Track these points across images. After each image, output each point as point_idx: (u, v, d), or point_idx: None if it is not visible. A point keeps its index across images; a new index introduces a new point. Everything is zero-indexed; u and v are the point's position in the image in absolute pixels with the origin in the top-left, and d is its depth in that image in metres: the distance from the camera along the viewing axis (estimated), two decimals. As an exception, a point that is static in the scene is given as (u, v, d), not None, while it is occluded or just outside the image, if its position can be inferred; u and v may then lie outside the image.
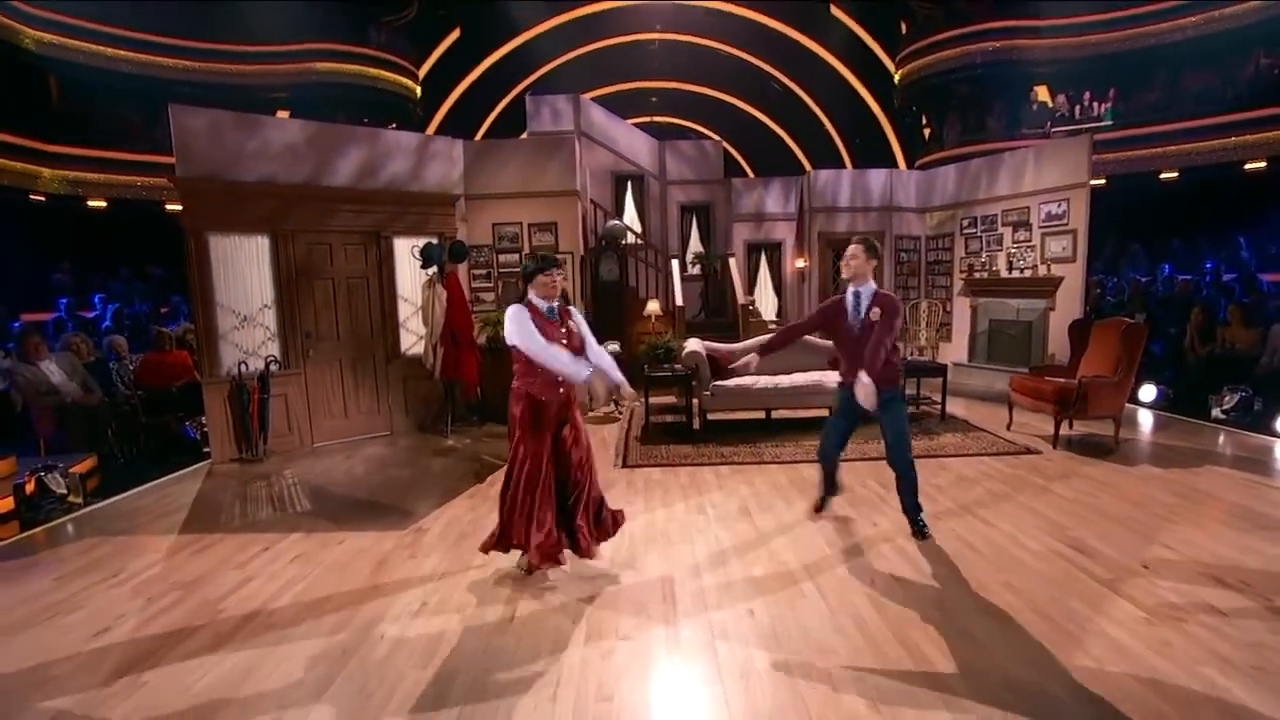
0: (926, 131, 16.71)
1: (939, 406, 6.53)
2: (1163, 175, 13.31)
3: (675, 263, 9.33)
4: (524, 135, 9.69)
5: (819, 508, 4.01)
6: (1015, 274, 8.00)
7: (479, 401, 6.91)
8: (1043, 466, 4.89)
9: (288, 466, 5.55)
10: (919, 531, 3.60)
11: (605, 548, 3.46)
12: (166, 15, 13.46)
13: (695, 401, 6.32)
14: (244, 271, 5.77)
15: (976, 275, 8.57)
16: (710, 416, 6.46)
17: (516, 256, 7.35)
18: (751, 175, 17.28)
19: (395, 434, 6.61)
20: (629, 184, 10.37)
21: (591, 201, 9.48)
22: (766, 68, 18.99)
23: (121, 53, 13.17)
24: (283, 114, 14.32)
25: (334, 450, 6.06)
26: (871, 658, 2.50)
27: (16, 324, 7.73)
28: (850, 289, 3.67)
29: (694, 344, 6.49)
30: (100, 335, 7.91)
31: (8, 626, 2.99)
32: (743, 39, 18.21)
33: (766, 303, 10.34)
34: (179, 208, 5.54)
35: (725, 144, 20.85)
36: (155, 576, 3.48)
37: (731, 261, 9.26)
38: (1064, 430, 5.78)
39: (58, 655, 2.71)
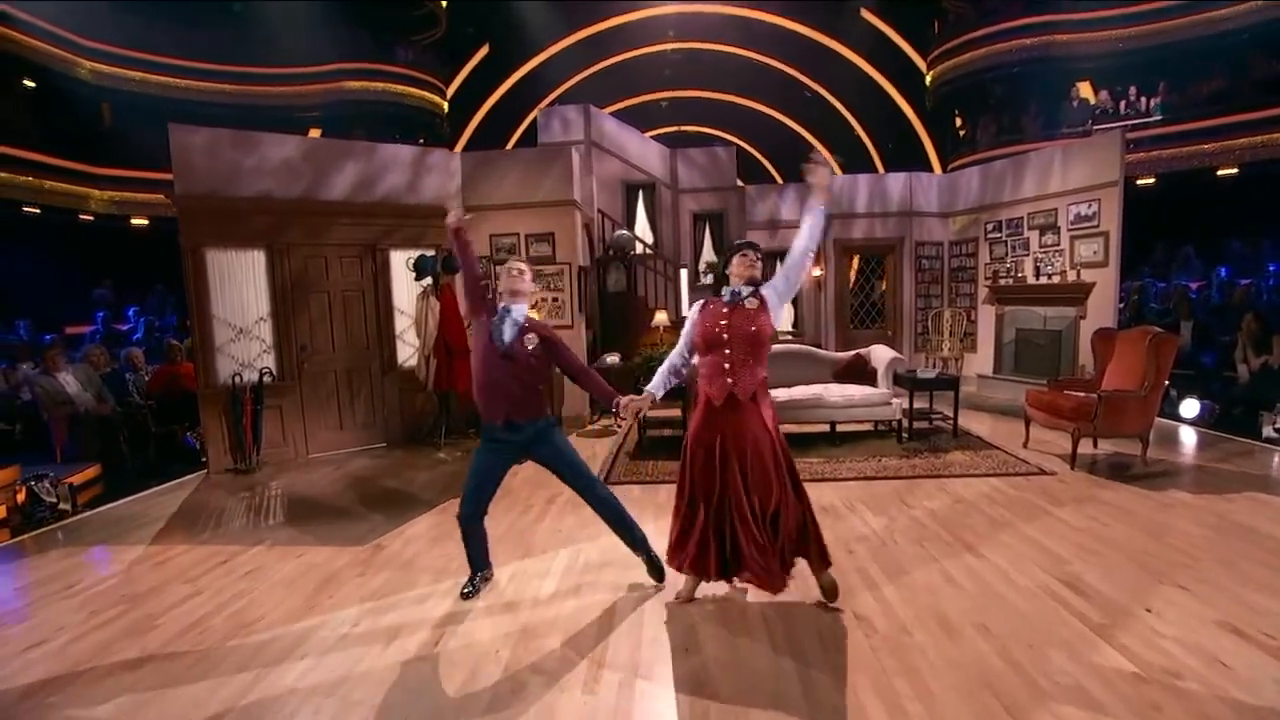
0: (961, 133, 16.06)
1: (951, 422, 6.11)
2: (1220, 172, 12.37)
3: (684, 272, 9.13)
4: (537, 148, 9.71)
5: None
6: (1043, 280, 7.50)
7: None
8: (1054, 490, 4.48)
9: (276, 478, 5.59)
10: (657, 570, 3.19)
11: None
12: (209, 43, 14.14)
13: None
14: (240, 285, 5.87)
15: (1002, 282, 8.08)
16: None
17: (515, 267, 7.28)
18: (781, 182, 16.95)
19: (391, 446, 6.60)
20: (640, 193, 10.23)
21: (599, 211, 9.39)
22: (796, 74, 18.65)
23: (166, 79, 13.90)
24: (315, 132, 14.84)
25: (326, 462, 6.08)
26: (805, 708, 2.25)
27: (47, 337, 8.10)
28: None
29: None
30: (133, 347, 8.24)
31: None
32: (771, 45, 17.95)
33: (782, 312, 10.02)
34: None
35: (755, 151, 20.68)
36: (109, 589, 3.48)
37: (742, 270, 8.99)
38: (1088, 449, 5.33)
39: (-19, 673, 2.71)
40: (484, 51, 18.79)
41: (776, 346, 6.63)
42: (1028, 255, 7.73)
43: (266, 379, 5.91)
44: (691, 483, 2.88)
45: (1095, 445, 5.45)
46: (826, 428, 5.96)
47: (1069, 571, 3.21)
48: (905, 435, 5.94)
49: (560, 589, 3.26)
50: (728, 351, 2.80)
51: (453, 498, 4.82)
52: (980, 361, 8.46)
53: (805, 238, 2.82)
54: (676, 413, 6.51)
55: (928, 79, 16.29)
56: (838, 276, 8.98)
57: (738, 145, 20.62)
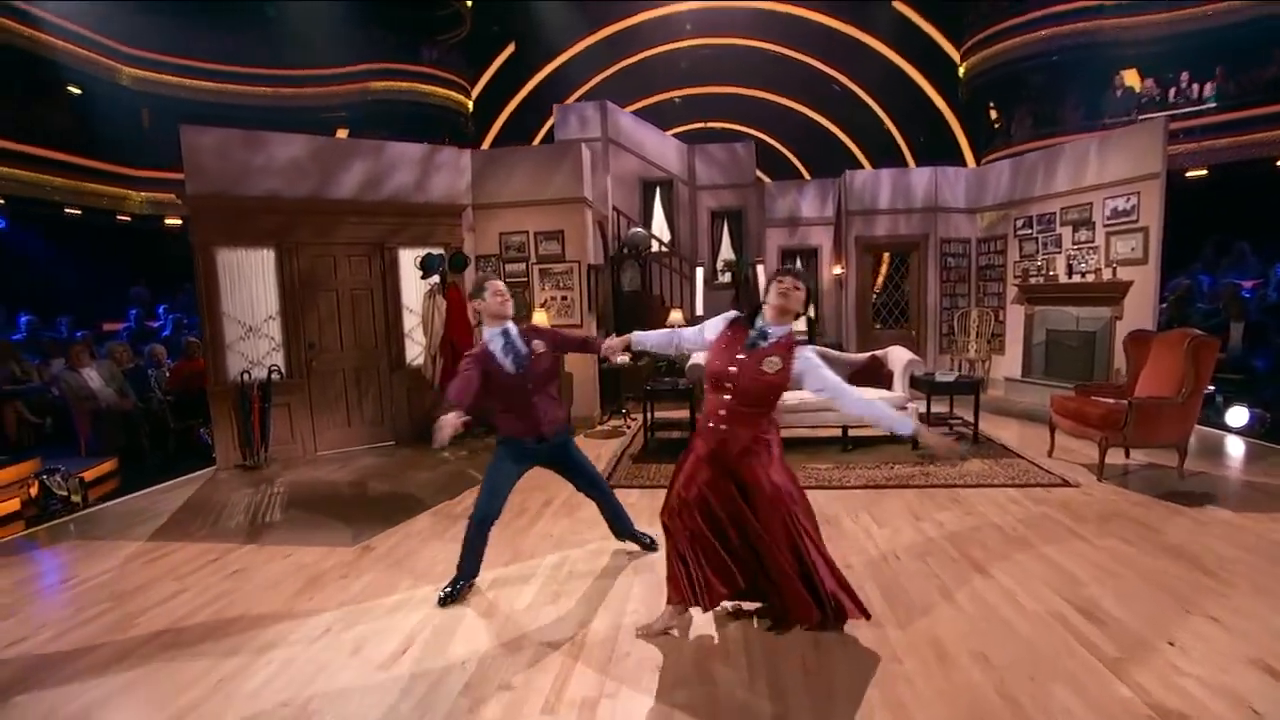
0: (995, 126, 15.44)
1: (972, 428, 5.81)
2: (1280, 163, 11.58)
3: (700, 270, 8.95)
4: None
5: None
6: (1075, 279, 7.09)
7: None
8: (1077, 504, 4.18)
9: (282, 475, 5.63)
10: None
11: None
12: (242, 46, 14.49)
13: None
14: (250, 283, 5.93)
15: (1032, 281, 7.68)
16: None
17: (523, 266, 7.23)
18: (809, 178, 16.56)
19: (399, 444, 6.61)
20: (657, 190, 10.09)
21: (614, 209, 9.27)
22: (824, 67, 18.21)
23: (201, 83, 14.28)
24: (342, 133, 15.09)
25: (333, 459, 6.10)
26: (773, 741, 2.09)
27: (79, 334, 8.37)
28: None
29: (701, 356, 6.11)
30: (157, 343, 8.46)
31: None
32: (797, 39, 17.55)
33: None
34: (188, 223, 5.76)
35: (782, 147, 20.30)
36: (98, 585, 3.51)
37: (760, 269, 8.77)
38: (1120, 459, 5.00)
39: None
40: (509, 51, 18.85)
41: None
42: (1059, 252, 7.32)
43: (275, 376, 5.96)
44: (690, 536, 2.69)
45: (1128, 455, 5.11)
46: (839, 432, 5.72)
47: (1084, 596, 2.96)
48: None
49: (539, 599, 3.15)
50: (728, 398, 2.58)
51: (449, 498, 4.78)
52: (1008, 364, 8.07)
53: (859, 407, 2.71)
54: (684, 414, 6.38)
55: (961, 70, 15.70)
56: (859, 275, 8.67)
57: (764, 141, 20.37)
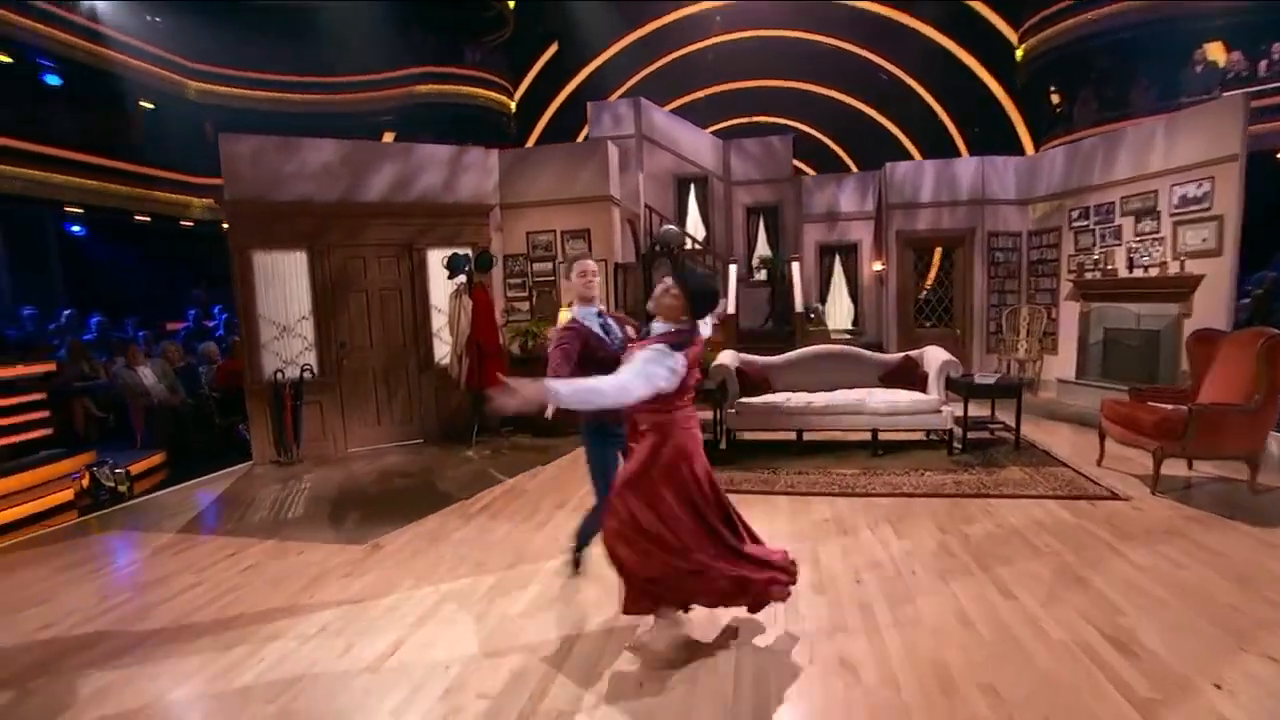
0: (1057, 111, 14.51)
1: (1014, 433, 5.43)
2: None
3: (732, 268, 8.75)
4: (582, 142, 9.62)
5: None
6: (1137, 273, 6.55)
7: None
8: (1125, 519, 3.83)
9: (311, 471, 5.79)
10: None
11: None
12: (294, 55, 15.12)
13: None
14: (284, 285, 6.12)
15: (1088, 276, 7.14)
16: (743, 436, 5.91)
17: (550, 265, 7.23)
18: (856, 170, 16.01)
19: (427, 442, 6.71)
20: (691, 186, 9.93)
21: (646, 206, 9.18)
22: (871, 55, 17.56)
23: (257, 92, 14.97)
24: (388, 136, 15.53)
25: (362, 457, 6.25)
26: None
27: (140, 334, 8.88)
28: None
29: (727, 356, 5.97)
30: (210, 343, 8.90)
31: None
32: (843, 27, 16.98)
33: (841, 310, 9.41)
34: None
35: (828, 140, 19.71)
36: (124, 575, 3.68)
37: (794, 266, 8.49)
38: (1180, 470, 4.58)
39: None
40: (551, 52, 18.98)
41: (819, 347, 6.19)
42: (1119, 245, 6.78)
43: (307, 375, 6.14)
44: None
45: (1190, 467, 4.67)
46: (869, 435, 5.46)
47: (1120, 625, 2.69)
48: (959, 447, 5.35)
49: (534, 604, 3.09)
50: None
51: (466, 498, 4.80)
52: (1060, 364, 7.54)
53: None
54: (707, 414, 6.21)
55: (1019, 52, 14.82)
56: (899, 271, 8.28)
57: (810, 135, 19.83)
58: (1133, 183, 6.62)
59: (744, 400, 5.60)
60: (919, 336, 8.21)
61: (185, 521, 4.57)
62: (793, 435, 5.65)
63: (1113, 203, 6.84)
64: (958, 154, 16.29)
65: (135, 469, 5.66)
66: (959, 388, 5.41)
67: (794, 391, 5.76)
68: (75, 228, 12.00)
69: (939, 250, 8.70)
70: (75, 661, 2.75)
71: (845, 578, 3.19)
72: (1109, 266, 6.88)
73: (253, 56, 14.90)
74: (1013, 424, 5.46)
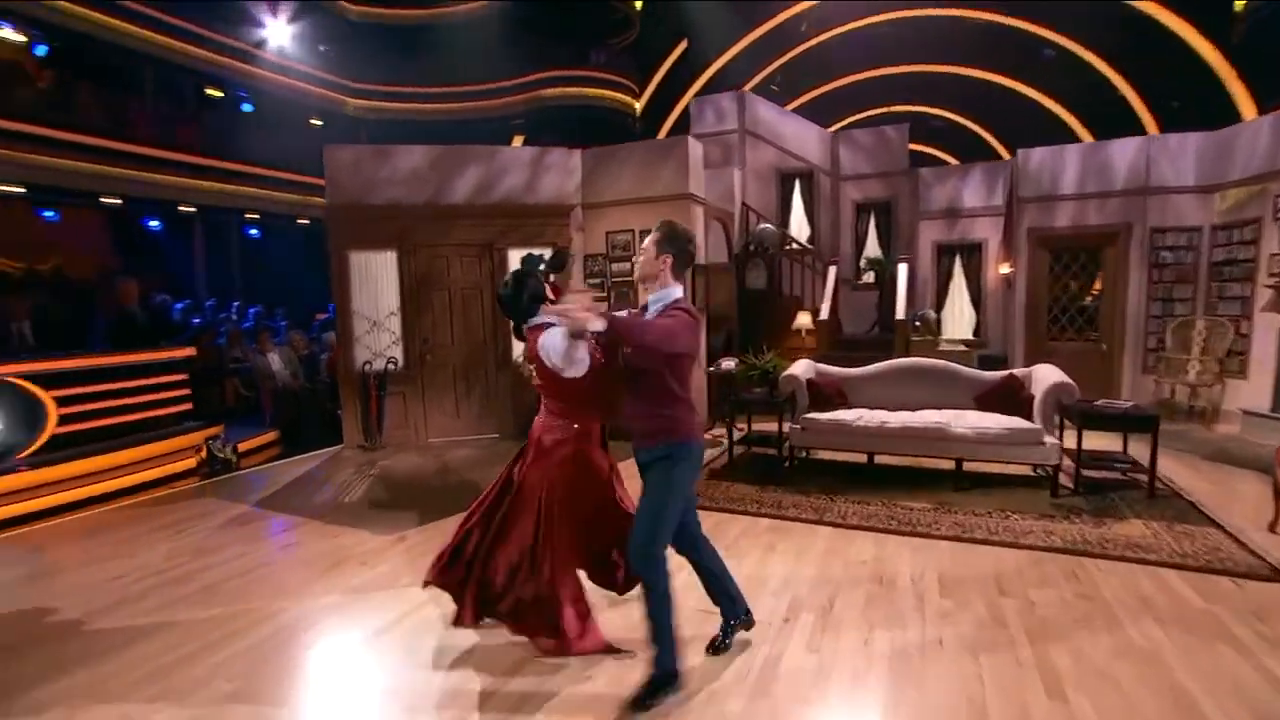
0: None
1: (1148, 475, 4.38)
2: None
3: (832, 270, 8.07)
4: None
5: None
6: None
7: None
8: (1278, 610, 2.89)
9: (387, 458, 6.18)
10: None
11: None
12: (433, 70, 16.49)
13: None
14: (375, 282, 6.60)
15: (1291, 282, 5.62)
16: (813, 454, 5.40)
17: (628, 265, 7.11)
18: (1010, 157, 14.14)
19: (503, 437, 6.91)
20: (796, 182, 9.32)
21: (744, 204, 8.75)
22: (1035, 29, 15.40)
23: (403, 105, 16.53)
24: (518, 140, 16.40)
25: (438, 447, 6.57)
26: None
27: (283, 323, 10.10)
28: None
29: (800, 366, 5.48)
30: (332, 332, 9.93)
31: (86, 560, 3.81)
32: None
33: (961, 317, 8.32)
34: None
35: (977, 126, 17.65)
36: (194, 540, 4.11)
37: (901, 268, 7.61)
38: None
39: (78, 588, 3.33)
40: (678, 51, 18.90)
41: (906, 360, 5.50)
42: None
43: (391, 367, 6.57)
44: None
45: None
46: (952, 464, 4.71)
47: (1211, 758, 1.99)
48: (1074, 487, 4.43)
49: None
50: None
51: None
52: (1250, 393, 6.03)
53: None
54: (773, 427, 5.74)
55: (1238, 2, 12.16)
56: (1030, 273, 7.12)
57: (956, 121, 17.92)
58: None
59: (810, 415, 5.08)
60: (1052, 350, 7.01)
61: (263, 496, 5.06)
62: (863, 458, 5.04)
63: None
64: (1142, 132, 13.80)
65: (248, 445, 6.41)
66: (1075, 416, 4.48)
67: (871, 409, 5.14)
68: (252, 231, 13.99)
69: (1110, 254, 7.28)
70: (126, 611, 3.11)
71: (852, 637, 2.71)
72: (1317, 271, 5.36)
73: (398, 73, 16.44)
74: (1160, 468, 4.39)
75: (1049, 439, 4.33)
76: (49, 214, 11.69)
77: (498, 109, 16.99)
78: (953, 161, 14.01)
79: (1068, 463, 4.57)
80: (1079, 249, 7.16)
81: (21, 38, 11.45)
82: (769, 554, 3.59)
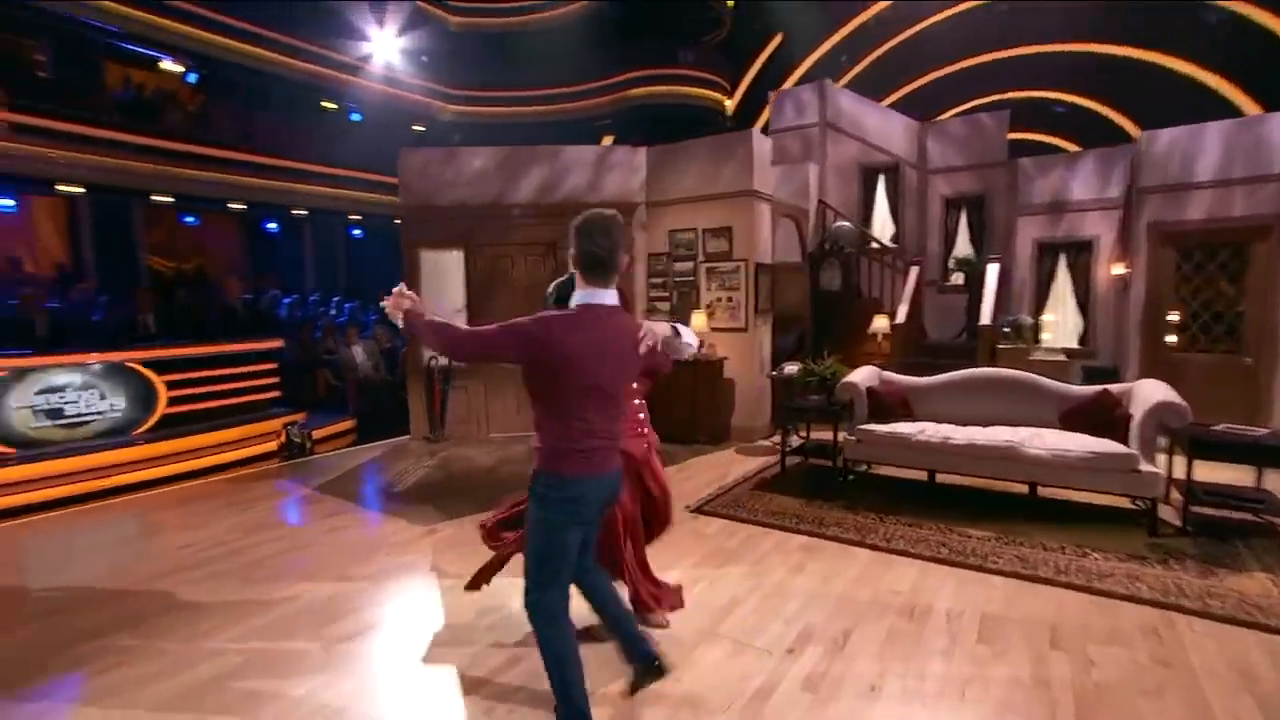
0: None
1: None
2: None
3: (914, 270, 7.46)
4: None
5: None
6: None
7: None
8: None
9: (448, 450, 6.40)
10: None
11: None
12: (523, 74, 17.08)
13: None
14: (443, 279, 6.86)
15: None
16: (875, 469, 5.01)
17: (691, 265, 6.94)
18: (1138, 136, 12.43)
19: (559, 434, 6.96)
20: (880, 177, 8.72)
21: (821, 201, 8.30)
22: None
23: (494, 109, 17.24)
24: (607, 139, 16.63)
25: (499, 442, 6.72)
26: None
27: (373, 317, 10.79)
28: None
29: (861, 374, 5.09)
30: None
31: (170, 527, 4.21)
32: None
33: (1065, 324, 7.40)
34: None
35: (1104, 108, 15.75)
36: (254, 518, 4.42)
37: (990, 269, 6.87)
38: None
39: (152, 554, 3.68)
40: (772, 47, 18.39)
41: (982, 370, 4.96)
42: None
43: (454, 363, 6.80)
44: None
45: None
46: (1025, 488, 4.17)
47: None
48: (1181, 526, 3.78)
49: (506, 618, 2.93)
50: None
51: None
52: None
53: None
54: (828, 434, 5.36)
55: None
56: (1150, 274, 6.19)
57: (1083, 105, 16.11)
58: None
59: (866, 427, 4.69)
60: (1176, 363, 6.07)
61: (326, 481, 5.37)
62: (924, 476, 4.58)
63: None
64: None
65: (324, 431, 6.87)
66: (1185, 441, 3.81)
67: (939, 422, 4.67)
68: (355, 231, 15.11)
69: (1254, 246, 6.22)
70: (176, 580, 3.39)
71: (859, 678, 2.42)
72: None
73: (490, 77, 17.19)
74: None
75: (1147, 466, 3.71)
76: (190, 219, 13.24)
77: (586, 110, 17.33)
78: (1073, 148, 12.55)
79: (1176, 496, 3.91)
80: (1217, 245, 6.14)
81: (179, 68, 13.07)
82: (794, 575, 3.32)
